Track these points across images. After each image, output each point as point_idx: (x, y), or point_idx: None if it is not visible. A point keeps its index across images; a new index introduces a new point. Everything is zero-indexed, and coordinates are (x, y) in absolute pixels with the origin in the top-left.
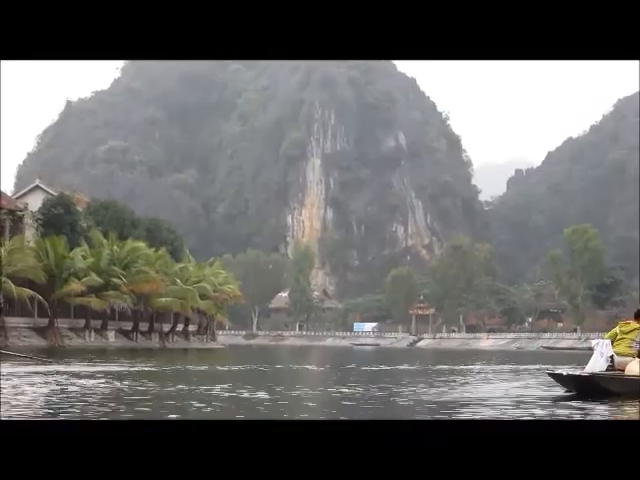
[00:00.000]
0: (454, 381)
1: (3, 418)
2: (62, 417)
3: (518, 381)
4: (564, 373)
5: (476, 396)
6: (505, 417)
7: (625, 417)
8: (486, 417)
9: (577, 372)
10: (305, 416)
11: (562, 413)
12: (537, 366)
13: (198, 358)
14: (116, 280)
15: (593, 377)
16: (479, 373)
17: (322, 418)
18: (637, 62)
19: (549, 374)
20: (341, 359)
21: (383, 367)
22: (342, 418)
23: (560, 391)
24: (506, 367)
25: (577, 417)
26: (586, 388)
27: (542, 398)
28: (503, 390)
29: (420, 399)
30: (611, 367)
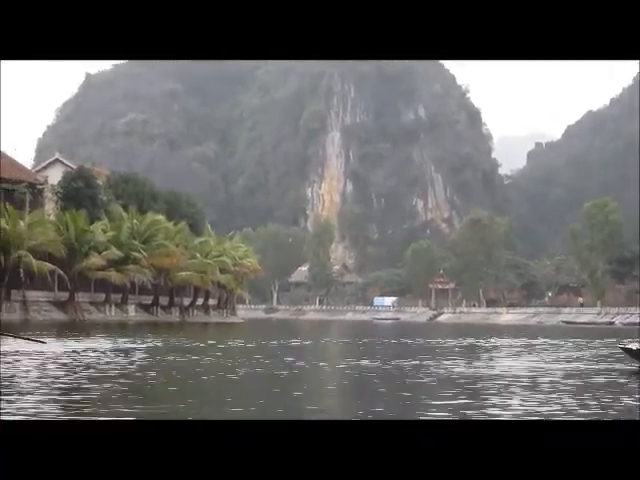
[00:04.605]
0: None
1: (3, 418)
2: (61, 417)
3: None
4: (634, 347)
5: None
6: (507, 417)
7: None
8: (488, 417)
9: None
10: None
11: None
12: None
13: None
14: (136, 254)
15: None
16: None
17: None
18: None
19: (621, 348)
20: (381, 333)
21: (450, 341)
22: (345, 418)
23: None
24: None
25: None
26: None
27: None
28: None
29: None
30: None
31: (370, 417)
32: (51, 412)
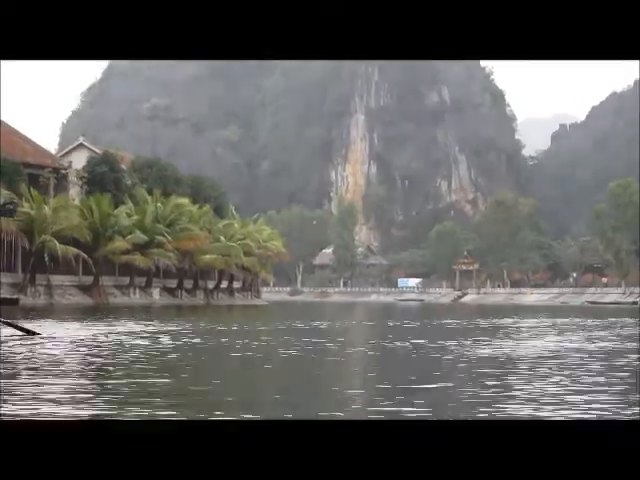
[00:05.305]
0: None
1: (3, 418)
2: (61, 417)
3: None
4: None
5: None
6: (508, 417)
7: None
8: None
9: None
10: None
11: None
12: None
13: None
14: (160, 237)
15: None
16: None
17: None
18: None
19: None
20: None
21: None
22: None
23: None
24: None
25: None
26: None
27: None
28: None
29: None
30: None
31: (370, 417)
32: (83, 392)
